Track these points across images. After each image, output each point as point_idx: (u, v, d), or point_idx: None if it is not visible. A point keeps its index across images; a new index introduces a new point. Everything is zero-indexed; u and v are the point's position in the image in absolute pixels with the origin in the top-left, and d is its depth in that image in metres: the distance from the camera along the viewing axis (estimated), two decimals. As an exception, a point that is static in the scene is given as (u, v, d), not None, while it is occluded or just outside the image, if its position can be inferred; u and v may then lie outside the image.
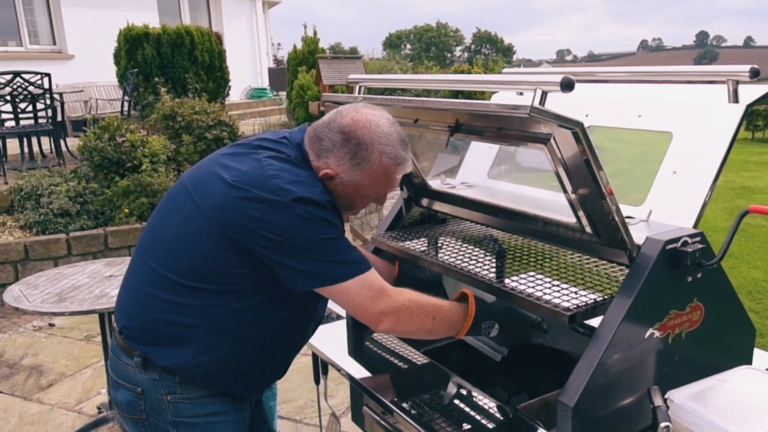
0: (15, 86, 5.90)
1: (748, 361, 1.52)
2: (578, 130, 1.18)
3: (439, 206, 1.97)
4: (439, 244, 1.87)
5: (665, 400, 1.27)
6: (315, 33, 9.74)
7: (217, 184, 1.39)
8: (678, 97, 1.67)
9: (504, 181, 1.96)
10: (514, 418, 1.50)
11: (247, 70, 13.41)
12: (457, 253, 1.75)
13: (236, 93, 12.43)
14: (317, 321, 1.63)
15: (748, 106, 1.44)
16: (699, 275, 1.36)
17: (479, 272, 1.60)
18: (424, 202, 2.04)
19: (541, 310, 1.38)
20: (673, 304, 1.35)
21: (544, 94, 1.18)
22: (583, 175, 1.27)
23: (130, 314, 1.49)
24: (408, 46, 69.10)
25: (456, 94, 6.94)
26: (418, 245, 1.89)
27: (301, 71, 6.69)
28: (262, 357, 1.51)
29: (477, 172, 2.02)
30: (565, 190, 1.37)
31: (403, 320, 1.41)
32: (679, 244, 1.32)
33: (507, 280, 1.53)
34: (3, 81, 5.95)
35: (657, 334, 1.34)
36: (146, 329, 1.45)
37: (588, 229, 1.42)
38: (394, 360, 1.84)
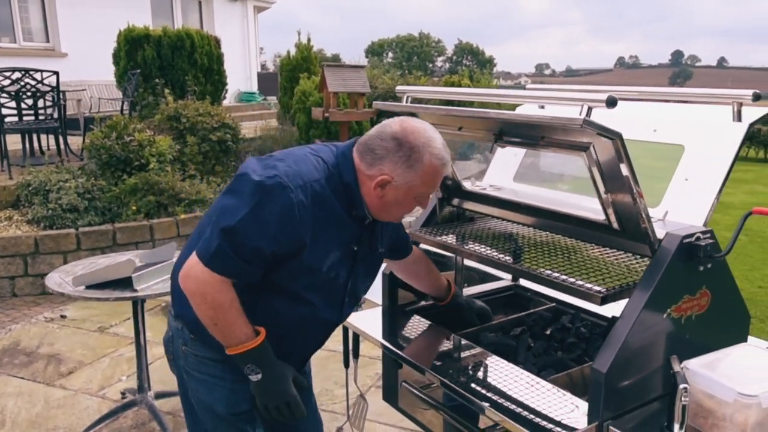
0: (23, 83, 5.98)
1: (744, 342, 1.77)
2: (618, 140, 1.42)
3: (471, 206, 2.20)
4: (474, 239, 2.10)
5: (681, 368, 1.52)
6: (309, 40, 9.97)
7: None
8: (688, 115, 1.93)
9: (529, 184, 2.20)
10: (547, 387, 1.72)
11: (238, 73, 13.52)
12: (491, 246, 1.98)
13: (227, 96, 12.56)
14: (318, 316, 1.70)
15: (751, 125, 1.70)
16: (708, 266, 1.60)
17: (515, 262, 1.83)
18: (455, 201, 2.27)
19: (576, 293, 1.61)
20: (686, 290, 1.59)
21: (590, 109, 1.42)
22: (618, 179, 1.51)
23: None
24: (390, 54, 69.70)
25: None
26: (452, 239, 2.12)
27: (303, 78, 6.90)
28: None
29: (503, 175, 2.26)
30: (597, 192, 1.61)
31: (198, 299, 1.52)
32: (694, 239, 1.57)
33: (540, 269, 1.76)
34: (3, 77, 6.00)
35: (672, 315, 1.58)
36: (173, 287, 1.76)
37: (615, 226, 1.66)
38: (428, 342, 2.05)
